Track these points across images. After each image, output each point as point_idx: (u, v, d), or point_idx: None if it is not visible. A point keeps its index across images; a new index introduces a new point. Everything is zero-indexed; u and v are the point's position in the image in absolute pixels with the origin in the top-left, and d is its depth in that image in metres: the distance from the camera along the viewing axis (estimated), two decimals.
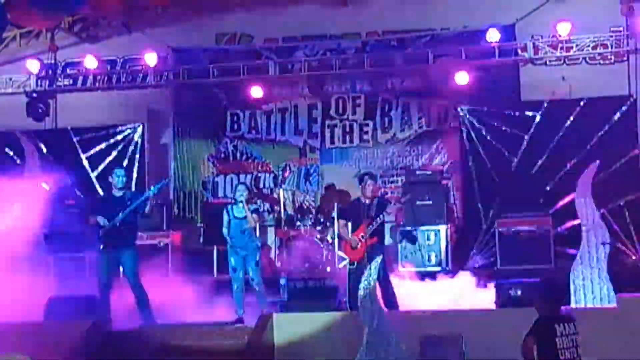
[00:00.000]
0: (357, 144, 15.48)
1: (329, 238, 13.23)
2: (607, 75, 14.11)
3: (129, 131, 15.20)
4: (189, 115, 15.77)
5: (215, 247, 13.33)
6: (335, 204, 13.00)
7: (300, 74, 14.91)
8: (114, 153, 15.08)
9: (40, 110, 14.58)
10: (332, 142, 15.60)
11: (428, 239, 12.89)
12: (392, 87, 15.24)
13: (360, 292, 8.94)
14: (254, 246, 10.55)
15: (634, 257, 12.35)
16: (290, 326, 9.43)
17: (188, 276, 13.40)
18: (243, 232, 10.52)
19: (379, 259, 9.42)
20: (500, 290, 9.92)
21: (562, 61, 14.32)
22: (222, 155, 15.89)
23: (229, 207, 10.77)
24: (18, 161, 14.69)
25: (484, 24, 14.02)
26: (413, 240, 12.83)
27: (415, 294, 11.26)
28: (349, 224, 10.44)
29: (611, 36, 13.83)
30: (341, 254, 11.63)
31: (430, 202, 13.15)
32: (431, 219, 13.04)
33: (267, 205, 15.16)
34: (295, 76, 15.11)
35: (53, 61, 15.04)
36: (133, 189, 12.27)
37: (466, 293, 11.73)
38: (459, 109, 14.25)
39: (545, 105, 13.67)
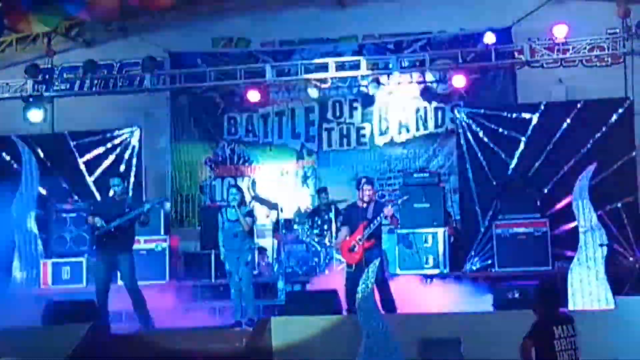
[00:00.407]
0: (354, 147, 15.51)
1: (326, 241, 13.23)
2: (604, 77, 14.14)
3: (126, 135, 15.16)
4: (186, 119, 15.80)
5: (213, 251, 13.31)
6: (333, 208, 13.03)
7: (297, 77, 14.91)
8: (111, 157, 15.03)
9: (37, 115, 14.59)
10: (330, 145, 15.62)
11: (425, 241, 12.87)
12: (389, 89, 15.24)
13: (358, 295, 8.93)
14: (247, 248, 10.53)
15: (631, 259, 12.34)
16: (289, 330, 9.41)
17: (186, 280, 13.43)
18: (235, 235, 10.50)
19: (376, 261, 9.41)
20: (498, 293, 9.91)
21: (558, 63, 14.35)
22: (220, 158, 15.91)
23: (223, 210, 10.77)
24: (15, 166, 14.65)
25: (480, 27, 14.03)
26: (409, 244, 12.83)
27: (413, 297, 11.25)
28: (346, 228, 10.41)
29: (607, 38, 13.84)
30: (339, 256, 11.62)
31: (428, 205, 13.13)
32: (428, 222, 13.02)
33: (264, 209, 15.15)
34: (292, 79, 15.12)
35: (50, 65, 15.03)
36: (130, 193, 12.23)
37: (464, 296, 11.73)
38: (456, 111, 14.26)
39: (542, 107, 13.67)
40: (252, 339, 9.54)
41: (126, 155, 15.05)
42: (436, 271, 12.64)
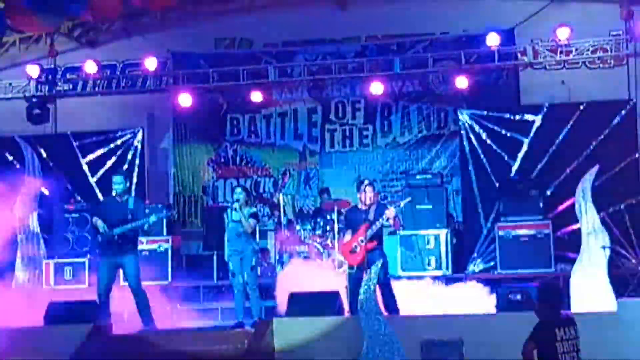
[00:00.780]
0: (356, 148, 15.51)
1: (328, 242, 13.23)
2: (607, 79, 14.12)
3: (128, 136, 15.20)
4: (189, 120, 15.79)
5: (215, 252, 13.32)
6: (335, 209, 13.01)
7: (299, 78, 14.91)
8: (114, 158, 15.08)
9: (40, 115, 14.60)
10: (332, 146, 15.62)
11: (428, 243, 12.88)
12: (391, 91, 15.25)
13: (361, 297, 8.93)
14: (250, 249, 10.50)
15: (634, 261, 12.34)
16: (291, 331, 9.41)
17: (188, 281, 13.43)
18: (239, 235, 10.48)
19: (379, 263, 9.41)
20: (500, 295, 9.90)
21: (561, 65, 14.33)
22: (222, 159, 15.91)
23: (228, 210, 10.76)
24: (18, 166, 14.68)
25: (483, 28, 14.03)
26: (411, 247, 12.83)
27: (416, 298, 11.24)
28: (350, 232, 10.40)
29: (610, 40, 13.84)
30: (341, 257, 11.62)
31: (430, 207, 13.14)
32: (431, 223, 13.03)
33: (267, 210, 15.17)
34: (294, 80, 15.12)
35: (53, 66, 15.05)
36: (133, 194, 12.24)
37: (466, 297, 11.72)
38: (458, 113, 14.26)
39: (545, 109, 13.67)
40: (254, 340, 9.53)
41: (129, 156, 15.09)
42: (438, 273, 12.63)
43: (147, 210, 11.03)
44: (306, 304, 9.70)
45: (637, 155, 13.24)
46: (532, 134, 13.66)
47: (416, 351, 8.81)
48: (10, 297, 12.04)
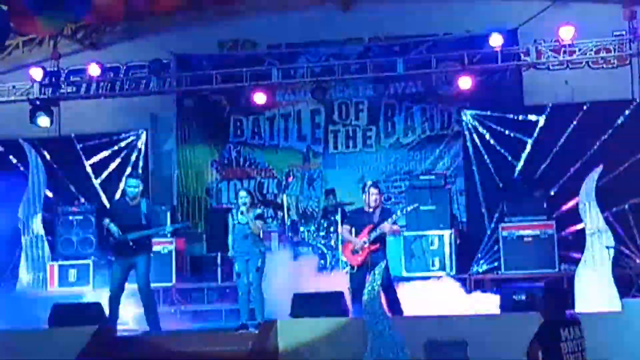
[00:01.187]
0: (360, 149, 15.50)
1: (332, 243, 13.23)
2: (610, 79, 14.11)
3: (132, 138, 15.22)
4: (192, 122, 15.81)
5: (219, 254, 13.33)
6: (339, 209, 13.01)
7: (303, 79, 14.91)
8: (118, 160, 15.11)
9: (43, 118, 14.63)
10: (336, 148, 15.62)
11: (432, 244, 12.88)
12: (395, 92, 15.25)
13: (365, 298, 8.93)
14: (257, 251, 10.52)
15: (638, 261, 12.32)
16: (294, 332, 9.41)
17: (192, 282, 13.44)
18: (246, 237, 10.51)
19: (382, 264, 9.40)
20: (505, 295, 9.89)
21: (565, 65, 14.32)
22: (226, 161, 15.92)
23: (233, 212, 10.77)
24: (22, 169, 14.70)
25: (486, 28, 14.01)
26: (414, 248, 12.83)
27: (419, 299, 11.24)
28: (353, 230, 10.38)
29: (614, 40, 13.81)
30: (343, 258, 11.63)
31: (434, 207, 13.12)
32: (435, 224, 13.02)
33: (270, 211, 15.17)
34: (298, 82, 15.13)
35: (56, 68, 15.06)
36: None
37: (470, 298, 11.72)
38: (462, 113, 14.25)
39: (549, 109, 13.66)
40: (258, 341, 9.53)
41: (132, 158, 15.12)
42: (442, 273, 12.63)
43: (159, 214, 11.04)
44: (310, 305, 9.70)
45: None
46: (535, 134, 13.66)
47: (420, 351, 8.80)
48: (15, 299, 12.06)
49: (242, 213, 10.48)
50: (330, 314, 9.51)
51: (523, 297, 9.53)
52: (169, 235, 12.99)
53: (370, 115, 15.48)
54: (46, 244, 13.92)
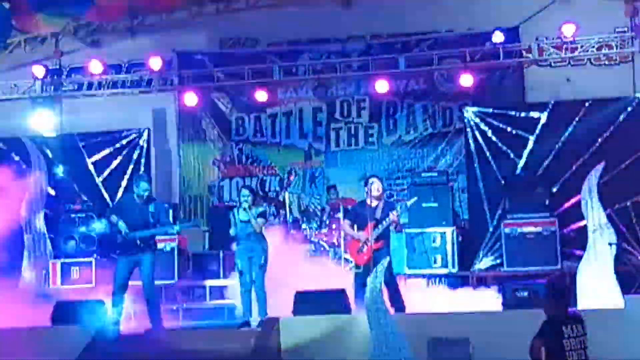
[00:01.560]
0: (362, 147, 15.51)
1: (334, 240, 13.23)
2: (612, 76, 14.11)
3: (134, 136, 15.22)
4: (194, 120, 15.82)
5: (221, 251, 13.34)
6: (342, 206, 13.01)
7: (304, 77, 14.91)
8: (120, 158, 15.11)
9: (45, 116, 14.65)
10: (337, 145, 15.63)
11: (434, 241, 12.87)
12: (396, 89, 15.24)
13: (367, 295, 8.93)
14: (260, 249, 10.52)
15: None
16: (297, 329, 9.40)
17: (194, 280, 13.45)
18: (249, 235, 10.50)
19: (385, 261, 9.39)
20: (507, 292, 9.89)
21: (566, 62, 14.33)
22: (228, 159, 15.93)
23: (235, 209, 10.76)
24: (24, 166, 14.71)
25: (488, 26, 14.01)
26: (416, 245, 12.83)
27: (422, 297, 11.24)
28: (355, 226, 10.39)
29: (616, 37, 13.82)
30: (347, 256, 11.62)
31: (436, 204, 13.13)
32: (437, 221, 13.02)
33: (272, 209, 15.17)
34: (299, 79, 15.12)
35: (58, 66, 15.07)
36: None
37: (472, 295, 11.72)
38: (464, 110, 14.25)
39: (551, 106, 13.65)
40: (260, 339, 9.53)
41: (134, 156, 15.12)
42: (444, 271, 12.63)
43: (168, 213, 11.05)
44: (312, 302, 9.69)
45: None
46: (537, 131, 13.64)
47: (423, 349, 8.80)
48: (17, 297, 12.06)
49: (244, 210, 10.48)
50: (333, 312, 9.50)
51: (525, 294, 9.54)
52: (174, 233, 12.91)
53: (372, 112, 15.48)
54: (48, 242, 13.93)
